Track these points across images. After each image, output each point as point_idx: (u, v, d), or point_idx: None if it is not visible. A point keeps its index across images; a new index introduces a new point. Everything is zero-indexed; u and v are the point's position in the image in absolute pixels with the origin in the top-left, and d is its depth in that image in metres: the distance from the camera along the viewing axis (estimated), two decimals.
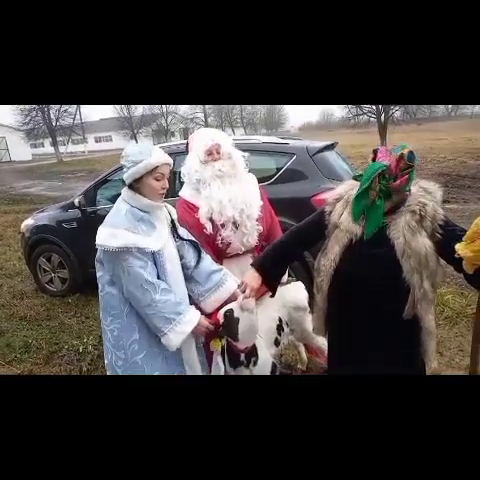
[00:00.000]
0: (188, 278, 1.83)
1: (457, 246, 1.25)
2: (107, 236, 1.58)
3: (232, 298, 1.83)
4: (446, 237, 1.36)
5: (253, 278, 1.71)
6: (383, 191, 1.37)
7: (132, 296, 1.61)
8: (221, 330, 1.74)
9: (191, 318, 1.66)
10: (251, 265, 1.78)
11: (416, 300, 1.38)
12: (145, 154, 1.61)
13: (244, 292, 1.70)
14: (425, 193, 1.42)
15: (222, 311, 1.75)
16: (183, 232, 1.86)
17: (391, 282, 1.39)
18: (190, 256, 1.84)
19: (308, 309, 2.24)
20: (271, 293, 1.81)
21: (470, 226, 1.23)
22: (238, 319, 1.70)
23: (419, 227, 1.37)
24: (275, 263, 1.74)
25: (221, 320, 1.73)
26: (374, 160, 1.41)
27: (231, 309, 1.72)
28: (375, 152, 1.41)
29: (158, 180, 1.65)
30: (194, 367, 1.79)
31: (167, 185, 1.70)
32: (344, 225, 1.47)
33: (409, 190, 1.42)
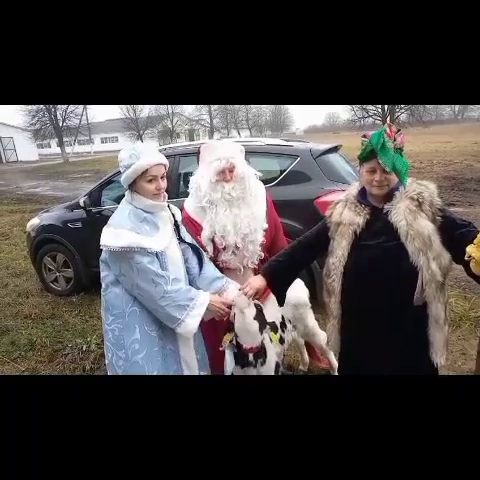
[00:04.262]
0: (190, 284, 1.84)
1: (468, 248, 1.27)
2: (110, 236, 1.60)
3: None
4: (448, 223, 1.43)
5: (258, 279, 1.75)
6: (395, 148, 1.43)
7: (143, 291, 1.62)
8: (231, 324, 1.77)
9: (204, 299, 1.70)
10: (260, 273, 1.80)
11: (425, 282, 1.41)
12: (134, 158, 1.62)
13: (245, 289, 1.73)
14: (419, 185, 1.52)
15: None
16: (187, 235, 1.88)
17: (400, 268, 1.43)
18: (194, 261, 1.87)
19: (309, 305, 2.30)
20: (278, 302, 1.82)
21: None
22: (234, 314, 1.73)
23: (419, 210, 1.45)
24: (282, 271, 1.77)
25: (232, 313, 1.75)
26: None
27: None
28: (365, 135, 1.49)
29: (150, 182, 1.66)
30: (192, 366, 1.81)
31: (162, 185, 1.69)
32: (347, 220, 1.54)
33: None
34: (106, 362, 1.80)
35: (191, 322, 1.66)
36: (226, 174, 1.89)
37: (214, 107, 46.12)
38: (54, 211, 4.49)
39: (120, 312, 1.67)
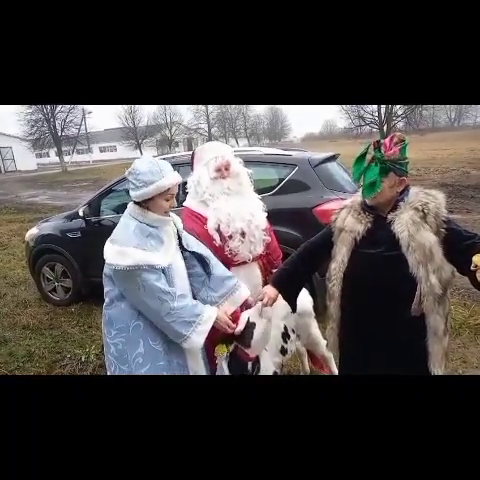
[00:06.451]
0: (201, 285, 1.84)
1: (474, 258, 1.28)
2: (117, 255, 1.57)
3: (246, 305, 1.86)
4: (453, 235, 1.42)
5: (272, 289, 1.78)
6: (378, 159, 1.45)
7: (149, 308, 1.61)
8: (235, 335, 1.76)
9: (210, 315, 1.70)
10: (269, 282, 1.83)
11: (423, 295, 1.41)
12: (157, 175, 1.60)
13: (262, 300, 1.75)
14: (427, 195, 1.50)
15: (244, 315, 1.77)
16: (190, 241, 1.87)
17: (399, 279, 1.43)
18: (200, 267, 1.86)
19: (313, 314, 2.30)
20: (291, 309, 1.85)
21: None
22: (254, 324, 1.73)
23: (423, 222, 1.43)
24: (290, 279, 1.79)
25: (242, 325, 1.75)
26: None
27: (248, 315, 1.76)
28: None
29: (168, 200, 1.68)
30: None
31: (175, 203, 1.73)
32: (348, 226, 1.56)
33: (406, 172, 1.48)
34: (108, 374, 1.77)
35: (197, 338, 1.65)
36: (223, 171, 2.04)
37: (212, 116, 46.48)
38: (53, 221, 4.49)
39: (124, 326, 1.65)
